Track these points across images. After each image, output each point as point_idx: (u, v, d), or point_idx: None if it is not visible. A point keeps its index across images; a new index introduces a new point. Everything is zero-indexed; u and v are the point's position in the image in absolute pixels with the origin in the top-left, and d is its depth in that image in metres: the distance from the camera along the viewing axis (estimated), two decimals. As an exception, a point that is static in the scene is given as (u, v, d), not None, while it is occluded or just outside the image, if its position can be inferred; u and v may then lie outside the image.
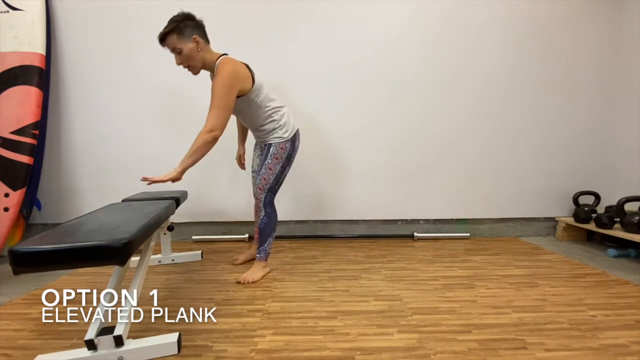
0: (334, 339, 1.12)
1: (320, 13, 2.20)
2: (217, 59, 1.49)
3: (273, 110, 1.60)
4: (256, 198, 1.66)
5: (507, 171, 2.37)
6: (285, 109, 1.66)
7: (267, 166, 1.61)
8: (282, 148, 1.61)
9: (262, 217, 1.65)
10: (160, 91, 2.22)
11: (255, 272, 1.64)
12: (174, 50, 1.45)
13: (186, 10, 1.47)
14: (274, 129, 1.61)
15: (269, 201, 1.65)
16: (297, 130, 1.69)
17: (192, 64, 1.48)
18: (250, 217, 2.28)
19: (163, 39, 1.43)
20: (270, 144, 1.61)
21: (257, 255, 1.68)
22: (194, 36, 1.43)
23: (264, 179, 1.62)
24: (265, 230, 1.66)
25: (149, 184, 1.34)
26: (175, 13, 1.44)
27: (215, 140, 1.40)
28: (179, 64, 1.48)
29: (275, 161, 1.61)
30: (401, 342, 1.10)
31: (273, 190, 1.65)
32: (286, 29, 2.21)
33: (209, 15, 2.14)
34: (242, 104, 1.53)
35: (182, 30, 1.41)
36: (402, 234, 2.37)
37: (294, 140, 1.66)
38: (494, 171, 2.37)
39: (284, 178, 1.68)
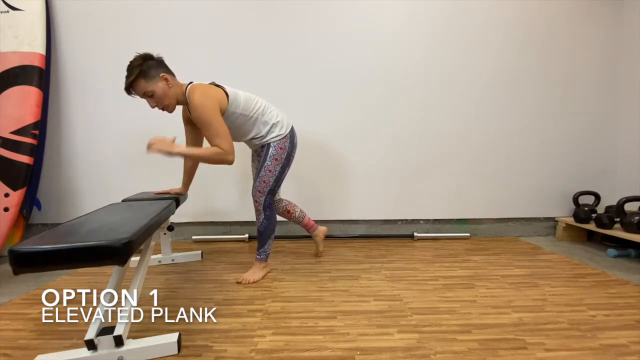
0: (334, 339, 1.12)
1: (319, 13, 2.20)
2: (185, 89, 1.45)
3: (260, 113, 1.56)
4: (255, 201, 1.62)
5: (507, 171, 2.37)
6: (272, 107, 1.62)
7: (266, 168, 1.58)
8: (281, 148, 1.58)
9: (261, 220, 1.63)
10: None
11: (255, 273, 1.64)
12: (144, 95, 1.39)
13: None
14: (269, 130, 1.57)
15: (269, 204, 1.62)
16: (292, 126, 1.66)
17: (167, 103, 1.43)
18: (250, 217, 2.29)
19: (131, 86, 1.37)
20: (269, 144, 1.58)
21: (257, 256, 1.68)
22: (161, 74, 1.39)
23: (264, 182, 1.59)
24: (265, 233, 1.65)
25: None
26: (134, 58, 1.38)
27: (227, 162, 1.41)
28: (153, 107, 1.43)
29: (275, 162, 1.58)
30: (401, 342, 1.10)
31: (273, 192, 1.62)
32: (284, 28, 2.20)
33: (207, 15, 2.17)
34: (227, 120, 1.49)
35: (148, 73, 1.36)
36: (402, 234, 2.37)
37: (292, 137, 1.63)
38: (494, 171, 2.37)
39: (283, 179, 1.66)
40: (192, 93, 1.40)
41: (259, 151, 1.67)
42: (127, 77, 1.37)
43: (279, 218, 2.20)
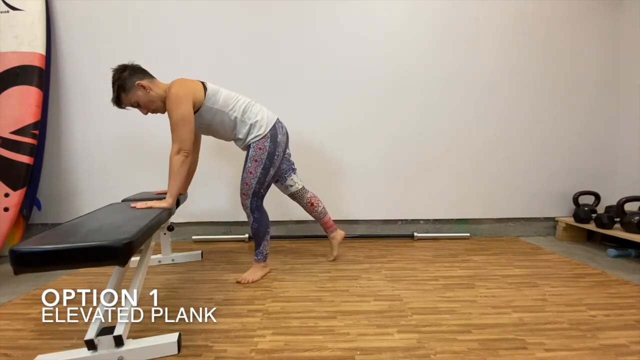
0: (334, 339, 1.12)
1: (319, 13, 2.20)
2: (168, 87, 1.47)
3: (240, 112, 1.54)
4: (242, 204, 1.59)
5: (507, 171, 2.37)
6: (254, 105, 1.58)
7: (247, 170, 1.55)
8: (260, 148, 1.54)
9: (251, 222, 1.61)
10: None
11: (254, 272, 1.64)
12: (132, 106, 1.46)
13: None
14: (249, 130, 1.55)
15: (256, 206, 1.59)
16: (277, 122, 1.60)
17: (154, 107, 1.47)
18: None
19: (119, 102, 1.43)
20: (249, 145, 1.56)
21: (255, 257, 1.67)
22: (136, 82, 1.41)
23: (247, 184, 1.56)
24: (258, 234, 1.63)
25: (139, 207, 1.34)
26: (113, 69, 1.43)
27: (187, 157, 1.41)
28: (145, 114, 1.50)
29: (255, 164, 1.54)
30: (401, 342, 1.10)
31: (258, 194, 1.58)
32: (282, 27, 2.20)
33: (207, 15, 2.17)
34: (204, 116, 1.50)
35: (124, 86, 1.40)
36: (402, 234, 2.37)
37: (274, 135, 1.56)
38: (494, 171, 2.37)
39: (270, 180, 1.61)
40: (170, 87, 1.43)
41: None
42: (112, 93, 1.42)
43: (277, 218, 2.19)
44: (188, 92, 1.42)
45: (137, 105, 1.46)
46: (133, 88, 1.41)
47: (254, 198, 1.58)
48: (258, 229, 1.62)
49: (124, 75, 1.40)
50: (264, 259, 1.68)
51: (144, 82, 1.42)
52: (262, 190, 1.59)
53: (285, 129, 1.66)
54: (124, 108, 1.47)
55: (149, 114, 1.52)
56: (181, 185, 1.44)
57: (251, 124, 1.55)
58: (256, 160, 1.55)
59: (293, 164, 1.81)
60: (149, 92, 1.43)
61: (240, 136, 1.57)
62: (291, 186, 1.79)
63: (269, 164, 1.56)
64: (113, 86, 1.41)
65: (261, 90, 2.21)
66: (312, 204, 1.84)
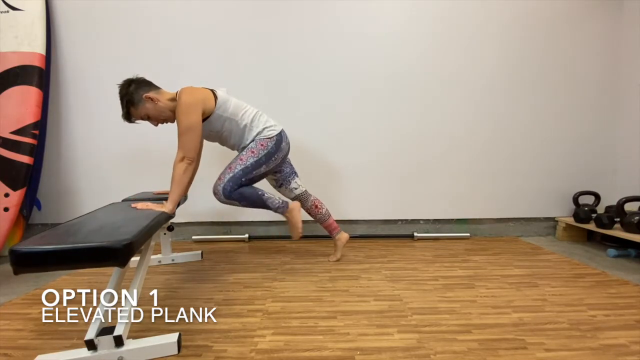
0: (334, 339, 1.12)
1: (319, 14, 2.20)
2: (176, 94, 1.47)
3: (249, 120, 1.56)
4: (215, 193, 1.52)
5: (507, 171, 2.37)
6: (262, 115, 1.61)
7: (239, 157, 1.55)
8: (262, 145, 1.55)
9: (238, 205, 1.55)
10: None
11: (294, 225, 1.67)
12: (142, 119, 1.47)
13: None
14: (257, 135, 1.57)
15: (230, 189, 1.49)
16: (283, 131, 1.64)
17: (163, 117, 1.48)
18: (250, 217, 2.29)
19: (129, 117, 1.44)
20: (252, 140, 1.57)
21: (280, 212, 1.63)
22: (144, 95, 1.41)
23: (230, 168, 1.52)
24: (256, 203, 1.56)
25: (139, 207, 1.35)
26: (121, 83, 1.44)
27: (190, 165, 1.42)
28: (156, 125, 1.51)
29: (251, 155, 1.54)
30: (401, 342, 1.10)
31: (236, 181, 1.51)
32: (282, 27, 2.21)
33: (207, 15, 2.17)
34: (214, 124, 1.51)
35: (132, 100, 1.40)
36: (402, 234, 2.37)
37: (279, 141, 1.60)
38: (494, 171, 2.37)
39: (256, 177, 1.58)
40: (180, 95, 1.43)
41: None
42: (121, 109, 1.43)
43: (277, 217, 2.20)
44: (197, 100, 1.42)
45: (147, 118, 1.46)
46: (141, 101, 1.41)
47: (229, 183, 1.50)
48: (252, 201, 1.55)
49: (131, 89, 1.40)
50: (286, 206, 1.63)
51: (151, 94, 1.42)
52: (242, 179, 1.53)
53: (288, 140, 1.68)
54: (134, 122, 1.48)
55: (159, 125, 1.52)
56: (183, 191, 1.44)
57: (259, 130, 1.57)
58: (253, 152, 1.55)
59: (294, 167, 1.84)
60: (156, 104, 1.44)
61: (248, 142, 1.58)
62: (296, 189, 1.80)
63: (265, 160, 1.57)
64: (121, 102, 1.41)
65: (261, 91, 2.22)
66: (316, 206, 1.85)
